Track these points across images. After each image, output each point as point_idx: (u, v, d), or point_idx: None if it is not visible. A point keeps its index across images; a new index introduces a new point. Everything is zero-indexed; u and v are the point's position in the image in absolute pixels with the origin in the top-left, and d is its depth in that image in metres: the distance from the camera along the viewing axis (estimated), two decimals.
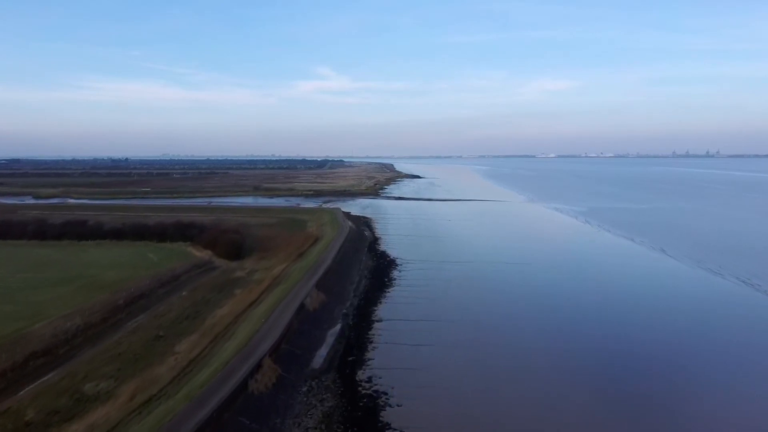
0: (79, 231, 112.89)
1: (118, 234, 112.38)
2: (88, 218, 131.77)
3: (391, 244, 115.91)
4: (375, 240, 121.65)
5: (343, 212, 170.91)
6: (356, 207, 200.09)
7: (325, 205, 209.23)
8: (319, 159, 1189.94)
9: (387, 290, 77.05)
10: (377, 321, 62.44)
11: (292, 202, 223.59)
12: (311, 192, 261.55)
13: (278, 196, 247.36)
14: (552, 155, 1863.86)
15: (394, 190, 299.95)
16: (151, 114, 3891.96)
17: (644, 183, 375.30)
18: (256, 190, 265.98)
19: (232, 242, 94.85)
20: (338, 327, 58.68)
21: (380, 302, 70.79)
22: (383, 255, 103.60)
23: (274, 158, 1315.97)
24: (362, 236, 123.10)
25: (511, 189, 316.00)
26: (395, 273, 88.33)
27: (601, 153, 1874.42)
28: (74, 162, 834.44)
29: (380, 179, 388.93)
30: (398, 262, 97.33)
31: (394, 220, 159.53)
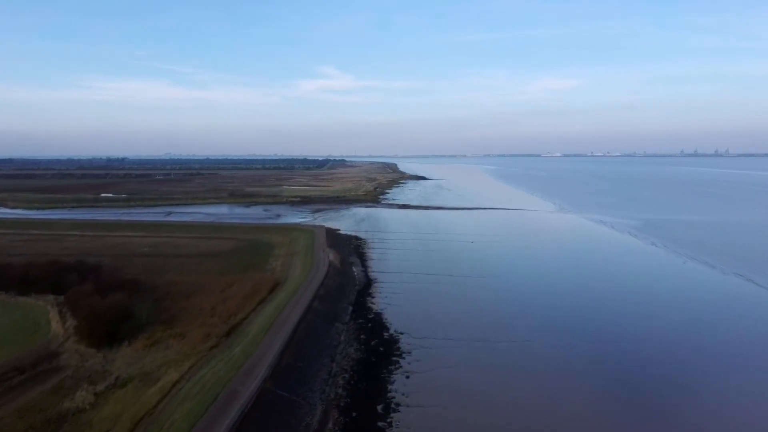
0: None
1: None
2: None
3: (390, 295, 73.99)
4: (366, 285, 79.43)
5: (331, 230, 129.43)
6: (349, 220, 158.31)
7: (313, 215, 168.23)
8: (320, 158, 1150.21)
9: None
10: None
11: (272, 211, 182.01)
12: (298, 198, 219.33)
13: (257, 203, 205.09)
14: (557, 154, 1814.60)
15: (397, 194, 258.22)
16: (154, 113, 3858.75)
17: (677, 186, 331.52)
18: (232, 196, 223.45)
19: (104, 312, 52.93)
20: None
21: None
22: (376, 326, 61.25)
23: (276, 157, 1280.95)
24: (347, 280, 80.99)
25: (530, 193, 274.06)
26: (397, 383, 46.17)
27: (608, 152, 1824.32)
28: (69, 161, 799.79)
29: (382, 181, 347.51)
30: (401, 344, 55.10)
31: (396, 243, 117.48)
